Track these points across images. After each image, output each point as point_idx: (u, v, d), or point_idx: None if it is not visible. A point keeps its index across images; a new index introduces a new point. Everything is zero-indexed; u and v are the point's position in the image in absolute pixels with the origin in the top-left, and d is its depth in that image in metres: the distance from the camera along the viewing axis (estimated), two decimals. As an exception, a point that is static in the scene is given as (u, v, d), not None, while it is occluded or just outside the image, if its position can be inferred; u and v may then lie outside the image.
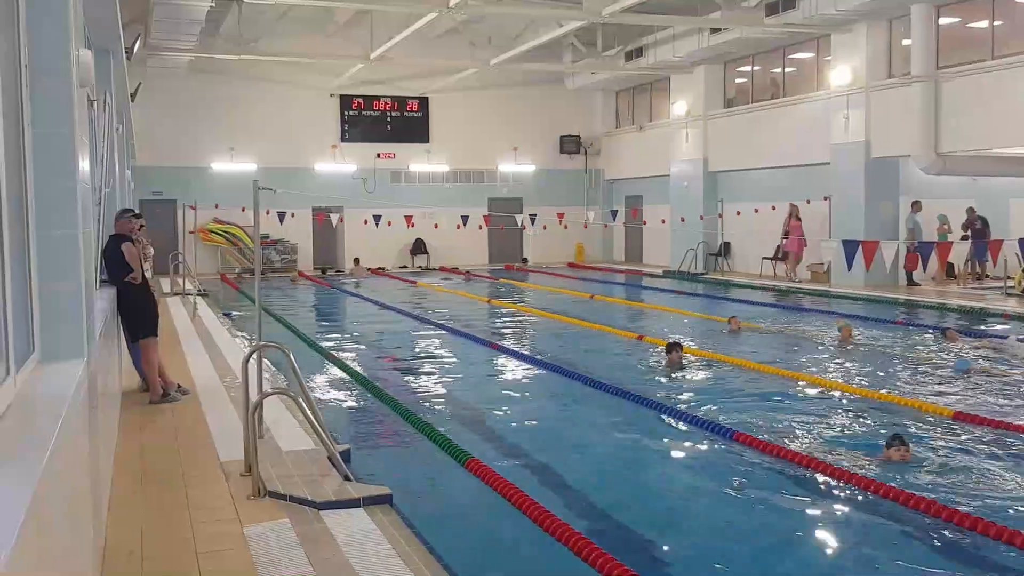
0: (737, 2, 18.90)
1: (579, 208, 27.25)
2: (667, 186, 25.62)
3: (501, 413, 8.42)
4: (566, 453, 7.03)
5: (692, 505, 5.91)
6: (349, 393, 9.18)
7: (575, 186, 29.26)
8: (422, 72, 26.07)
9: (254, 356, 6.45)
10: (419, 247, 27.42)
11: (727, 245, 24.13)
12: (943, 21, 17.31)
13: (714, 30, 20.82)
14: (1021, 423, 7.33)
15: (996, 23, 16.93)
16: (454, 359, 11.55)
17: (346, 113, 26.78)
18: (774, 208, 21.61)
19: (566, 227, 26.27)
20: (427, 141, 27.59)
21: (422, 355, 11.79)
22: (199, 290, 18.37)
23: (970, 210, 19.83)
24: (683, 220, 24.33)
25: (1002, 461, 6.47)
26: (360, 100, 26.81)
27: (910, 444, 6.44)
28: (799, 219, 20.35)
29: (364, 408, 8.61)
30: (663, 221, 24.94)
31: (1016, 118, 15.67)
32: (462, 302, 18.51)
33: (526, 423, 8.10)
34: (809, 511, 5.60)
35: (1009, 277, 17.22)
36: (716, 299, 18.54)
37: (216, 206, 24.83)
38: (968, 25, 17.59)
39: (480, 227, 25.52)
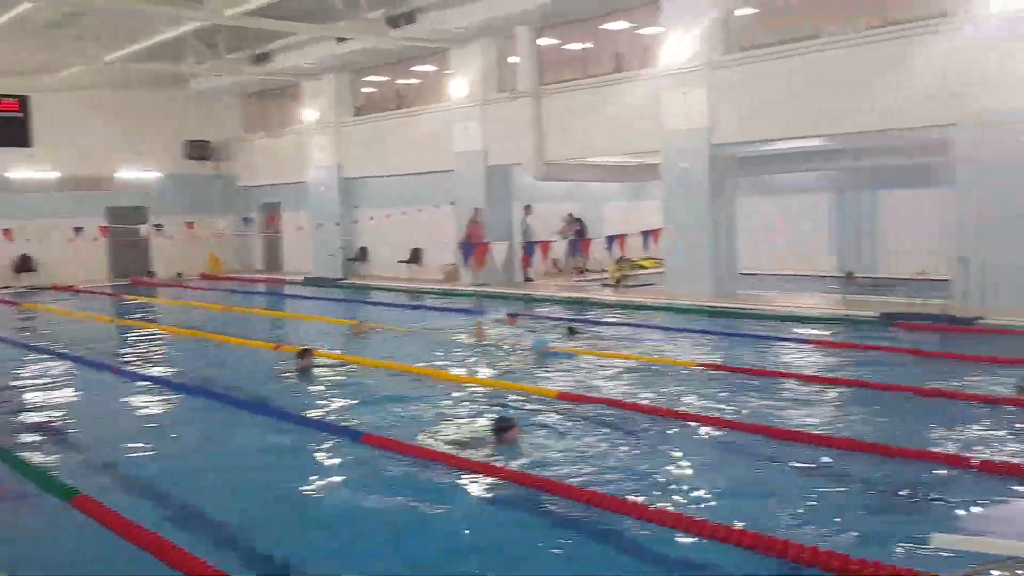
0: (361, 13, 19.35)
1: (211, 216, 26.07)
2: (305, 192, 25.49)
3: (125, 445, 7.83)
4: (199, 477, 6.75)
5: (332, 511, 5.98)
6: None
7: (205, 193, 27.93)
8: (20, 68, 23.13)
9: None
10: (25, 264, 24.35)
11: (363, 250, 24.63)
12: (543, 42, 19.31)
13: (341, 39, 21.13)
14: (615, 398, 8.51)
15: (587, 45, 19.28)
16: (68, 389, 10.47)
17: (-82, 112, 22.85)
18: (404, 213, 22.53)
19: (197, 237, 25.01)
20: (29, 145, 24.50)
21: (25, 388, 10.52)
22: None
23: (568, 215, 22.44)
24: (320, 225, 24.40)
25: (603, 433, 7.45)
26: (-63, 98, 23.05)
27: (520, 424, 7.23)
28: (480, 223, 20.11)
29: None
30: (300, 228, 24.76)
31: (605, 131, 17.99)
32: (79, 323, 16.81)
33: (154, 452, 7.61)
34: (436, 500, 5.95)
35: (603, 270, 19.75)
36: (354, 303, 18.88)
37: None
38: (564, 47, 19.81)
39: (95, 239, 23.40)
